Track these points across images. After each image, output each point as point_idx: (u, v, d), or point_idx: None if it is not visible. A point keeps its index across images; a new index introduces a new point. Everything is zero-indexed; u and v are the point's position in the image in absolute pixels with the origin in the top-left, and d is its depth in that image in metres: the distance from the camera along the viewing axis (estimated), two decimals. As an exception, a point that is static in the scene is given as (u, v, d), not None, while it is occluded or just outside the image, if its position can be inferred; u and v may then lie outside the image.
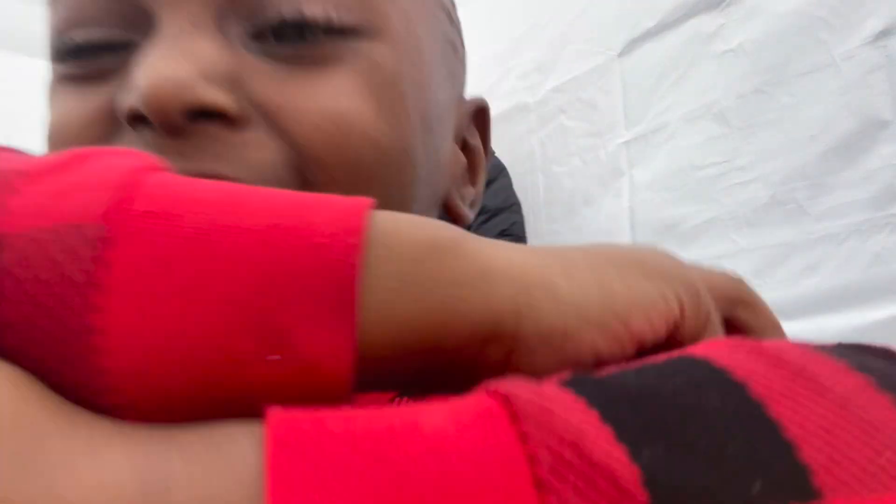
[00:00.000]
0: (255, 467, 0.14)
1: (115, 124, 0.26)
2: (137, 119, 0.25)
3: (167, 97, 0.24)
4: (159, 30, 0.26)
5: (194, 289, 0.16)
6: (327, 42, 0.27)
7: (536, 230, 1.74)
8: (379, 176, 0.27)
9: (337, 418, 0.15)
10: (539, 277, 0.19)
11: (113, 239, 0.16)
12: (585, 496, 0.13)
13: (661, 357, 0.18)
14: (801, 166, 1.27)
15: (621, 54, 1.57)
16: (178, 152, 0.25)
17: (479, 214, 1.54)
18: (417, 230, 0.19)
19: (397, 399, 0.23)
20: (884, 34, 1.17)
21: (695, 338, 0.22)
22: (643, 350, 0.20)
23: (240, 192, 0.18)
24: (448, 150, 0.34)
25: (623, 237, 1.55)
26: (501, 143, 1.75)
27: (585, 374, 0.17)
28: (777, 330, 0.25)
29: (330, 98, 0.27)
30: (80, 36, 0.27)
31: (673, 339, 0.21)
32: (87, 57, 0.27)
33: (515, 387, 0.15)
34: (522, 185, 1.76)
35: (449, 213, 0.35)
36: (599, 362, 0.19)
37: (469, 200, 0.36)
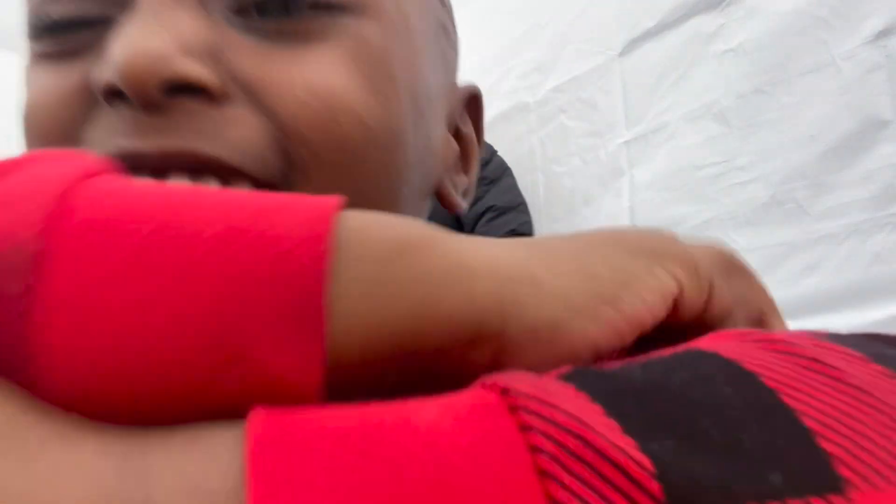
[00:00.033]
0: (238, 460, 0.13)
1: (91, 102, 0.25)
2: (114, 94, 0.24)
3: (145, 70, 0.23)
4: (137, 4, 0.24)
5: (142, 305, 0.15)
6: (313, 17, 0.26)
7: (537, 230, 1.74)
8: (367, 156, 0.26)
9: (324, 415, 0.14)
10: (520, 270, 0.18)
11: (51, 254, 0.15)
12: (593, 487, 0.13)
13: (667, 351, 0.17)
14: (801, 166, 1.27)
15: (621, 54, 1.57)
16: (155, 129, 0.24)
17: (486, 212, 1.54)
18: (387, 229, 0.18)
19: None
20: (884, 34, 1.17)
21: (699, 311, 0.21)
22: (646, 334, 0.20)
23: (192, 196, 0.17)
24: (440, 136, 0.33)
25: (623, 237, 1.55)
26: (502, 143, 1.75)
27: (587, 368, 0.16)
28: (767, 300, 0.25)
29: (316, 73, 0.25)
30: (56, 12, 0.26)
31: (676, 316, 0.21)
32: (63, 34, 0.26)
33: (513, 379, 0.15)
34: (522, 185, 1.76)
35: (441, 202, 0.34)
36: (599, 354, 0.19)
37: (462, 189, 0.35)
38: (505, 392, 0.14)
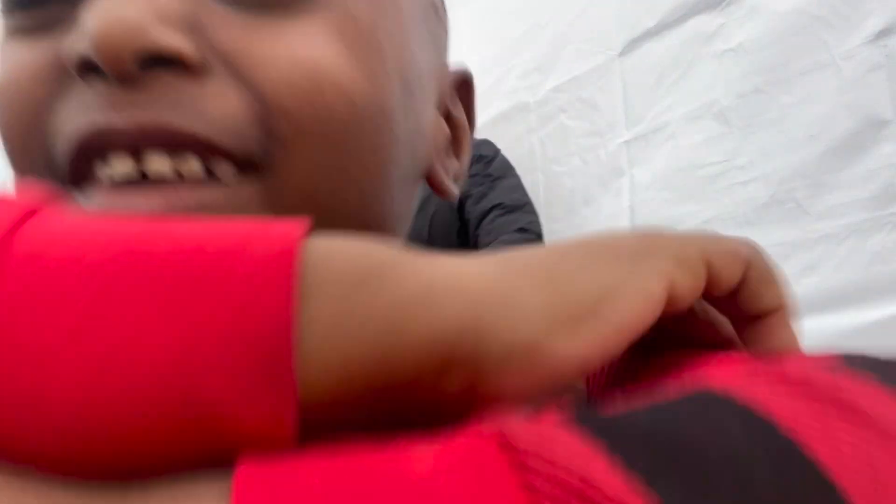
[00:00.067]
0: None
1: (64, 77, 0.24)
2: (87, 68, 0.22)
3: (119, 41, 0.22)
4: None
5: (96, 365, 0.14)
6: None
7: (537, 230, 1.75)
8: (353, 133, 0.25)
9: (313, 466, 0.13)
10: (492, 289, 0.17)
11: None
12: None
13: (675, 389, 0.16)
14: (801, 165, 1.27)
15: (622, 54, 1.57)
16: (130, 103, 0.23)
17: (492, 210, 1.53)
18: (350, 257, 0.17)
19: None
20: (884, 33, 1.17)
21: (701, 306, 0.21)
22: (639, 338, 0.19)
23: (143, 232, 0.16)
24: (430, 118, 0.32)
25: (623, 237, 1.55)
26: (502, 143, 1.75)
27: (591, 413, 0.15)
28: (786, 304, 0.23)
29: (300, 46, 0.24)
30: None
31: (672, 310, 0.20)
32: (36, 7, 0.25)
33: (511, 424, 0.14)
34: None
35: (432, 186, 0.34)
36: (586, 370, 0.18)
37: (453, 174, 0.34)
38: (505, 445, 0.13)
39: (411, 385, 0.16)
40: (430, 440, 0.14)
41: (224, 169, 0.24)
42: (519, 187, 1.69)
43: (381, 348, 0.16)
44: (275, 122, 0.24)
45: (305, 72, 0.24)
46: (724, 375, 0.17)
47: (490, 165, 1.59)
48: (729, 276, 0.21)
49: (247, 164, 0.24)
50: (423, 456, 0.13)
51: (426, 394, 0.16)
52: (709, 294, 0.21)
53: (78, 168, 0.23)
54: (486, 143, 1.66)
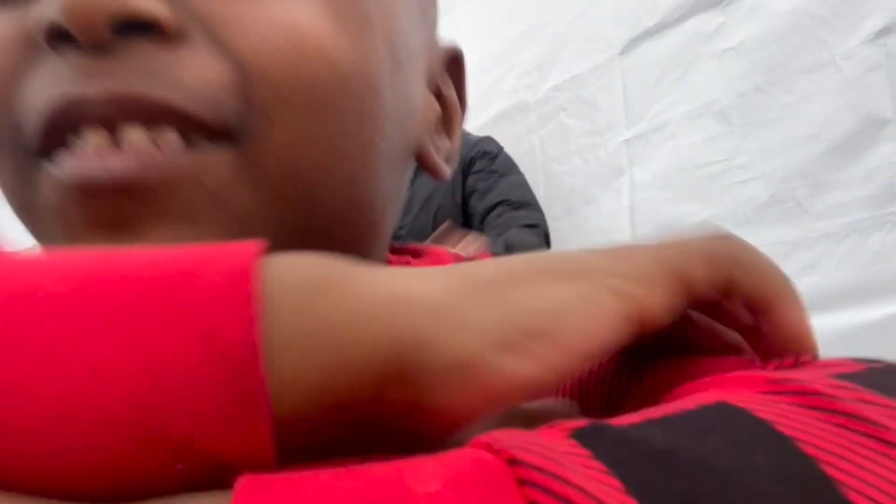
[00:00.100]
0: None
1: (34, 48, 0.22)
2: (58, 36, 0.21)
3: (91, 5, 0.21)
4: None
5: (61, 404, 0.14)
6: None
7: (537, 229, 1.74)
8: (338, 102, 0.24)
9: (315, 483, 0.13)
10: (437, 303, 0.17)
11: None
12: None
13: (690, 404, 0.15)
14: (802, 165, 1.27)
15: (622, 53, 1.57)
16: (103, 72, 0.21)
17: (497, 205, 1.53)
18: (299, 275, 0.16)
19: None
20: (884, 32, 1.17)
21: (669, 318, 0.20)
22: (604, 357, 0.18)
23: (97, 263, 0.15)
24: (420, 94, 0.31)
25: (623, 236, 1.55)
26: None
27: (603, 427, 0.14)
28: (773, 286, 0.22)
29: (282, 10, 0.23)
30: None
31: (645, 331, 0.19)
32: None
33: (520, 444, 0.13)
34: (523, 184, 1.76)
35: (424, 165, 0.32)
36: (536, 391, 0.17)
37: (445, 153, 0.33)
38: (513, 462, 0.13)
39: (363, 401, 0.16)
40: (434, 456, 0.14)
41: (201, 138, 0.23)
42: (524, 184, 1.69)
43: (330, 364, 0.16)
44: (255, 90, 0.23)
45: (287, 37, 0.23)
46: (738, 389, 0.16)
47: (494, 162, 1.59)
48: (707, 282, 0.20)
49: (223, 134, 0.23)
50: (429, 472, 0.13)
51: (374, 409, 0.16)
52: (693, 303, 0.20)
53: (49, 144, 0.23)
54: (490, 140, 1.66)
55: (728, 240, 0.22)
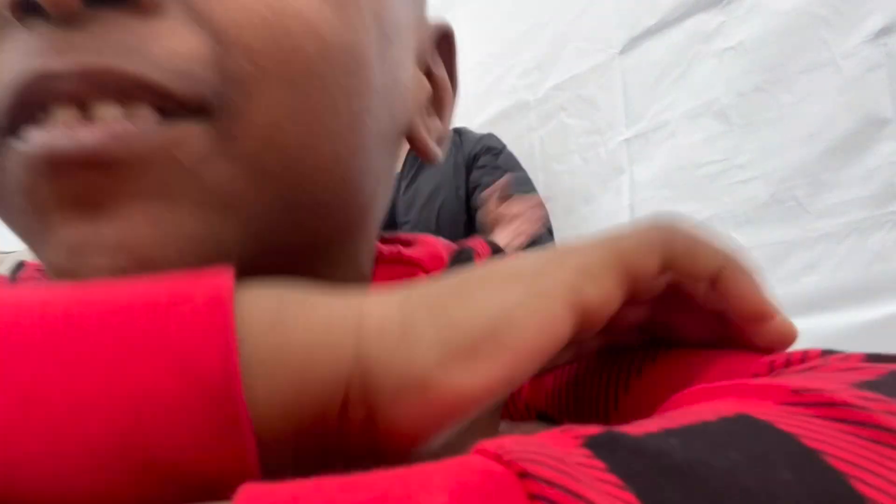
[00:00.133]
0: None
1: (1, 21, 0.22)
2: (25, 7, 0.20)
3: None
4: None
5: (48, 435, 0.14)
6: None
7: (537, 228, 1.74)
8: (323, 75, 0.23)
9: (317, 493, 0.12)
10: (388, 324, 0.17)
11: None
12: None
13: (709, 415, 0.15)
14: (802, 164, 1.27)
15: (622, 52, 1.56)
16: (73, 46, 0.20)
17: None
18: (264, 303, 0.17)
19: None
20: (884, 32, 1.17)
21: (614, 308, 0.20)
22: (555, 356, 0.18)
23: (74, 299, 0.15)
24: (409, 71, 0.30)
25: (623, 235, 1.55)
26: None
27: (618, 437, 0.14)
28: (725, 265, 0.22)
29: None
30: None
31: (592, 325, 0.19)
32: None
33: (532, 456, 0.13)
34: (523, 183, 1.76)
35: (414, 147, 0.31)
36: (490, 400, 0.17)
37: (436, 135, 0.32)
38: (524, 475, 0.12)
39: (332, 420, 0.17)
40: (441, 463, 0.13)
41: (176, 111, 0.22)
42: (527, 181, 1.69)
43: (298, 387, 0.16)
44: (233, 62, 0.21)
45: (268, 5, 0.22)
46: (759, 400, 0.16)
47: (498, 158, 1.59)
48: (647, 267, 0.20)
49: (200, 110, 0.22)
50: (435, 483, 0.12)
51: (343, 427, 0.17)
52: (636, 294, 0.20)
53: (17, 122, 0.22)
54: (493, 137, 1.66)
55: (662, 225, 0.22)
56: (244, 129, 0.22)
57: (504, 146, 1.63)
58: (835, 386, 0.16)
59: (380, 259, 0.34)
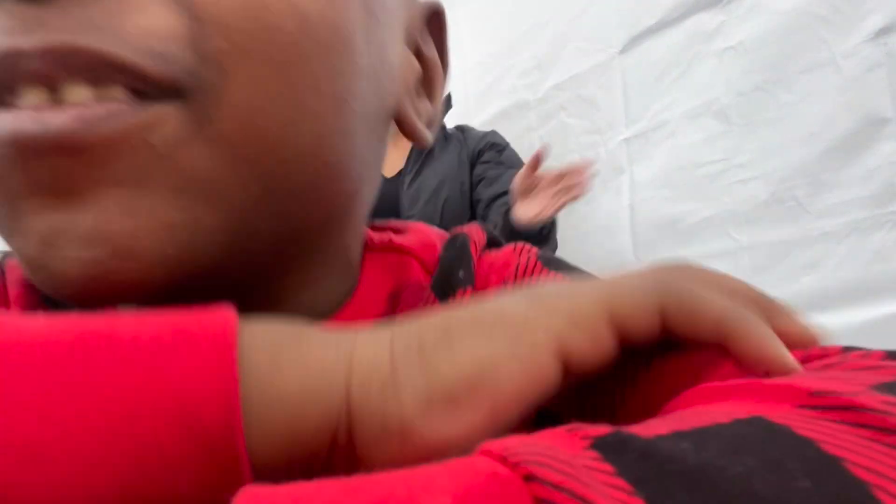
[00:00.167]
0: None
1: None
2: None
3: None
4: None
5: (54, 487, 0.14)
6: None
7: (537, 228, 1.74)
8: (305, 55, 0.22)
9: (319, 495, 0.12)
10: (374, 368, 0.17)
11: None
12: None
13: (722, 416, 0.14)
14: (802, 164, 1.27)
15: (622, 52, 1.56)
16: (42, 24, 0.19)
17: (505, 193, 1.53)
18: (262, 342, 0.17)
19: None
20: (884, 31, 1.17)
21: (602, 360, 0.19)
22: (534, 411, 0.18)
23: (73, 341, 0.15)
24: (398, 51, 0.29)
25: (623, 235, 1.55)
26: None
27: (628, 439, 0.13)
28: (728, 326, 0.20)
29: None
30: None
31: (575, 374, 0.19)
32: None
33: (538, 458, 0.12)
34: (523, 183, 1.75)
35: (403, 130, 0.30)
36: (470, 446, 0.17)
37: (426, 118, 0.31)
38: (530, 479, 0.12)
39: (323, 452, 0.17)
40: (445, 465, 0.13)
41: (149, 93, 0.21)
42: None
43: (292, 428, 0.17)
44: (210, 41, 0.21)
45: None
46: (775, 403, 0.15)
47: (502, 154, 1.59)
48: (641, 323, 0.20)
49: (173, 91, 0.21)
50: (439, 485, 0.12)
51: (333, 458, 0.17)
52: (628, 344, 0.20)
53: None
54: (497, 134, 1.66)
55: (663, 280, 0.20)
56: (222, 111, 0.21)
57: (507, 143, 1.63)
58: (854, 388, 0.15)
59: (370, 246, 0.34)
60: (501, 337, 0.18)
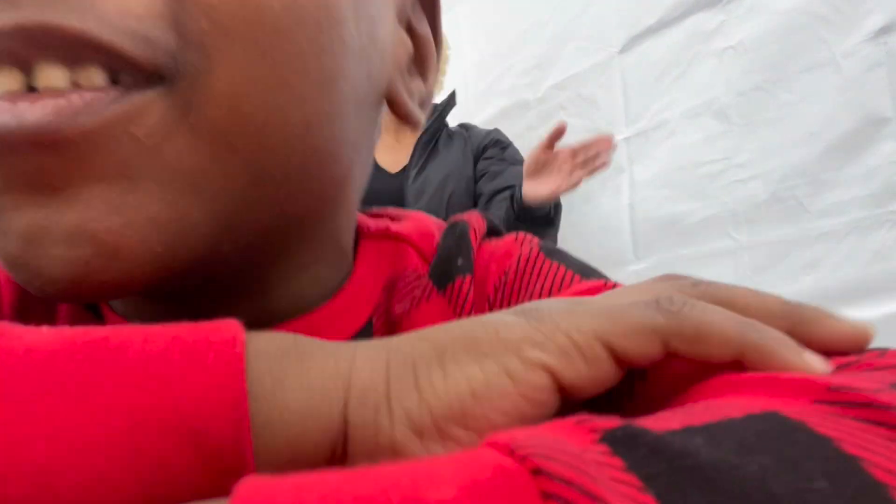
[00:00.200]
0: None
1: None
2: None
3: None
4: None
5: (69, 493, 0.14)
6: None
7: (536, 227, 1.74)
8: (291, 35, 0.21)
9: (321, 486, 0.12)
10: (370, 388, 0.17)
11: None
12: None
13: (736, 411, 0.13)
14: (802, 163, 1.27)
15: (622, 51, 1.56)
16: (13, 2, 0.19)
17: (507, 188, 1.53)
18: (267, 356, 0.17)
19: None
20: (884, 31, 1.17)
21: (594, 385, 0.18)
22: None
23: (81, 361, 0.15)
24: (389, 28, 0.27)
25: (623, 234, 1.55)
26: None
27: (639, 433, 0.13)
28: (751, 346, 0.18)
29: None
30: None
31: (569, 395, 0.18)
32: None
33: (546, 451, 0.12)
34: (523, 182, 1.75)
35: (395, 111, 0.29)
36: None
37: (419, 98, 0.30)
38: (537, 472, 0.11)
39: (322, 462, 0.17)
40: (451, 456, 0.13)
41: (130, 81, 0.20)
42: None
43: (294, 443, 0.16)
44: (192, 21, 0.20)
45: None
46: (791, 398, 0.14)
47: (505, 151, 1.59)
48: (640, 351, 0.18)
49: (153, 74, 0.20)
50: (444, 476, 0.11)
51: (332, 466, 0.17)
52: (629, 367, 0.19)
53: None
54: (500, 132, 1.66)
55: (667, 307, 0.19)
56: (205, 96, 0.20)
57: (510, 142, 1.64)
58: (874, 385, 0.14)
59: (366, 234, 0.33)
60: (496, 359, 0.18)
